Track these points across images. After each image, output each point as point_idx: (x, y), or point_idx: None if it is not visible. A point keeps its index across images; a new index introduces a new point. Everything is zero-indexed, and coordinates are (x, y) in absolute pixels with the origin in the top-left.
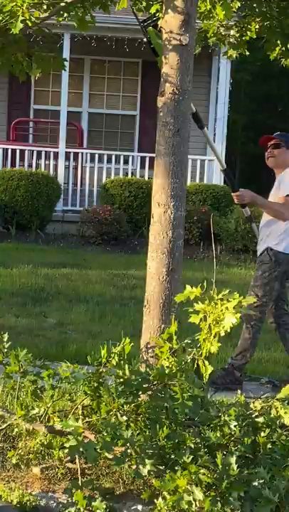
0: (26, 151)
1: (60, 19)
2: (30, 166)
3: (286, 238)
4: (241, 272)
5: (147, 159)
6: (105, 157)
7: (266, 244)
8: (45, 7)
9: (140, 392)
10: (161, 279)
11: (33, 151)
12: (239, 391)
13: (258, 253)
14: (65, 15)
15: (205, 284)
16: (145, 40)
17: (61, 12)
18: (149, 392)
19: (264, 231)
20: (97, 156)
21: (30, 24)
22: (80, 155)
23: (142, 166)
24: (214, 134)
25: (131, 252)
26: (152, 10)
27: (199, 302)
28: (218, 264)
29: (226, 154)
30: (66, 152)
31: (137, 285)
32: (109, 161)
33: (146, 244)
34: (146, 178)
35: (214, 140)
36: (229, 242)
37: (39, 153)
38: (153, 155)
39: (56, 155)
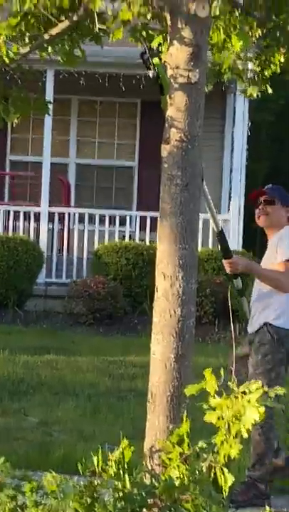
0: (1, 211)
1: (44, 54)
2: (5, 229)
3: (286, 311)
4: None
5: (148, 219)
6: (97, 217)
7: (263, 319)
8: (26, 40)
9: (144, 510)
10: (168, 366)
11: (9, 211)
12: (267, 507)
13: (250, 330)
14: (50, 49)
15: (222, 372)
16: (149, 75)
17: (45, 45)
18: (156, 510)
19: (257, 305)
20: (87, 216)
21: (7, 61)
22: (66, 215)
23: (142, 228)
24: (230, 188)
25: (130, 333)
26: (154, 43)
27: (215, 396)
28: (238, 348)
29: (245, 211)
30: (49, 212)
31: (137, 374)
32: (101, 222)
33: (148, 323)
34: (147, 242)
35: (230, 195)
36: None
37: (17, 213)
38: (156, 214)
39: (37, 216)
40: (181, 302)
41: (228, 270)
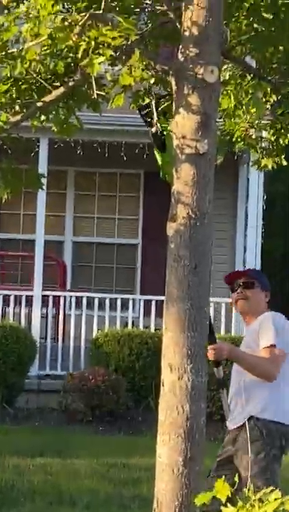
0: None
1: (36, 122)
2: None
3: (273, 402)
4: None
5: (154, 304)
6: (96, 301)
7: (247, 413)
8: (17, 107)
9: None
10: (176, 472)
11: None
12: None
13: (233, 426)
14: (43, 117)
15: (236, 478)
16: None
17: (37, 114)
18: None
19: (238, 398)
20: (85, 300)
21: None
22: (61, 299)
23: (147, 314)
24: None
25: (133, 432)
26: (164, 158)
27: (228, 504)
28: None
29: None
30: (43, 296)
31: (142, 479)
32: (101, 306)
33: (154, 421)
34: (152, 329)
35: None
36: None
37: (6, 297)
38: (161, 298)
39: (30, 300)
40: (189, 398)
41: (211, 357)
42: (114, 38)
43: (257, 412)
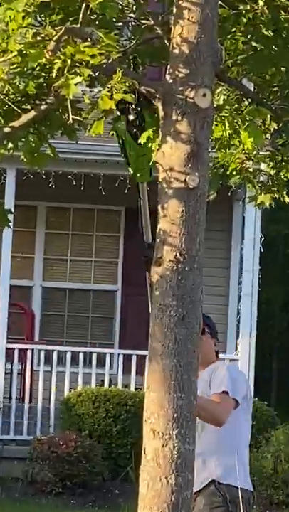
0: None
1: (2, 151)
2: None
3: (232, 463)
4: None
5: (134, 359)
6: (68, 356)
7: (207, 475)
8: None
9: None
10: None
11: None
12: None
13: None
14: (10, 145)
15: None
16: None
17: (4, 141)
18: None
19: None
20: (55, 354)
21: None
22: (29, 353)
23: (127, 371)
24: (238, 320)
25: (109, 506)
26: (142, 139)
27: None
28: None
29: (257, 349)
30: (8, 349)
31: None
32: (74, 362)
33: (133, 494)
34: (132, 388)
35: (238, 329)
36: (265, 490)
37: None
38: (143, 353)
39: None
40: (175, 468)
41: None
42: (93, 56)
43: (218, 475)
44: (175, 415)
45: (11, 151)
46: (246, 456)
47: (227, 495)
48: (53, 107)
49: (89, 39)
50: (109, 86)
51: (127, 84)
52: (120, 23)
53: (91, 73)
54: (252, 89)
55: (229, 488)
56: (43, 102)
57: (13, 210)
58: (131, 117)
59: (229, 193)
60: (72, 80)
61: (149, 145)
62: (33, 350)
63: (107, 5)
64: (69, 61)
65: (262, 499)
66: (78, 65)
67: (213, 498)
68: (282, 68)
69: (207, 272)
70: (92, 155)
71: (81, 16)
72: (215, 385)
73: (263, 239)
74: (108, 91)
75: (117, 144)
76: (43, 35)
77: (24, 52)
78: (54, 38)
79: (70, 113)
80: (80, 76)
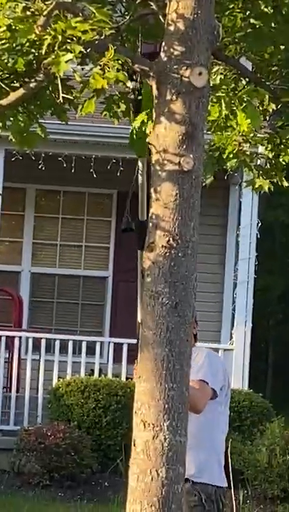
0: None
1: None
2: None
3: (206, 462)
4: None
5: (125, 348)
6: (57, 344)
7: None
8: None
9: None
10: None
11: None
12: None
13: None
14: None
15: None
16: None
17: None
18: None
19: None
20: (44, 342)
21: None
22: (16, 341)
23: (117, 360)
24: (233, 308)
25: (98, 499)
26: (136, 122)
27: None
28: None
29: (252, 339)
30: None
31: None
32: (63, 350)
33: (123, 487)
34: (123, 378)
35: (233, 317)
36: (259, 485)
37: None
38: (135, 341)
39: None
40: (166, 460)
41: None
42: (84, 32)
43: (192, 475)
44: (166, 406)
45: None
46: (221, 450)
47: (202, 494)
48: (43, 85)
49: (81, 14)
50: (102, 64)
51: (120, 61)
52: None
53: (82, 50)
54: (250, 69)
55: (203, 486)
56: (33, 80)
57: (1, 193)
58: (130, 85)
59: (225, 177)
60: (63, 57)
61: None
62: (20, 337)
63: None
64: (60, 37)
65: (256, 494)
66: (69, 41)
67: (189, 498)
68: (281, 46)
69: (202, 259)
70: (83, 136)
71: None
72: (193, 371)
73: (259, 225)
74: (100, 69)
75: (110, 125)
76: (32, 9)
77: (13, 27)
78: (44, 13)
79: (61, 92)
80: (71, 53)
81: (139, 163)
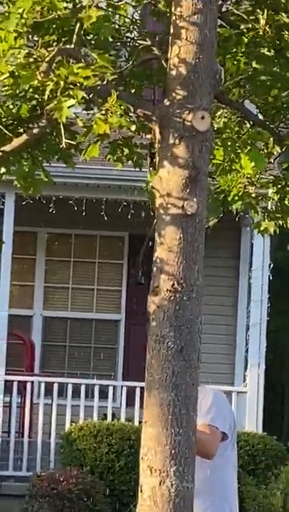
0: None
1: None
2: None
3: (221, 507)
4: None
5: (138, 392)
6: (69, 388)
7: None
8: None
9: None
10: None
11: None
12: None
13: None
14: (3, 169)
15: None
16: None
17: None
18: None
19: None
20: (56, 386)
21: None
22: (28, 385)
23: (130, 403)
24: (246, 350)
25: None
26: (151, 177)
27: None
28: None
29: (266, 381)
30: (6, 381)
31: None
32: (75, 394)
33: None
34: (136, 422)
35: (246, 360)
36: None
37: None
38: None
39: None
40: (173, 507)
41: None
42: (87, 78)
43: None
44: (173, 451)
45: (4, 176)
46: (234, 495)
47: None
48: (47, 131)
49: (83, 60)
50: (104, 109)
51: (123, 107)
52: (117, 44)
53: (85, 95)
54: (254, 112)
55: None
56: (36, 126)
57: (12, 237)
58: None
59: (237, 219)
60: (65, 103)
61: None
62: (32, 382)
63: (101, 25)
64: (62, 83)
65: None
66: (72, 87)
67: None
68: (285, 89)
69: (214, 301)
70: (93, 179)
71: (75, 36)
72: (201, 413)
73: (271, 266)
74: (103, 114)
75: (119, 168)
76: (35, 56)
77: (16, 73)
78: (47, 59)
79: (64, 137)
80: (74, 99)
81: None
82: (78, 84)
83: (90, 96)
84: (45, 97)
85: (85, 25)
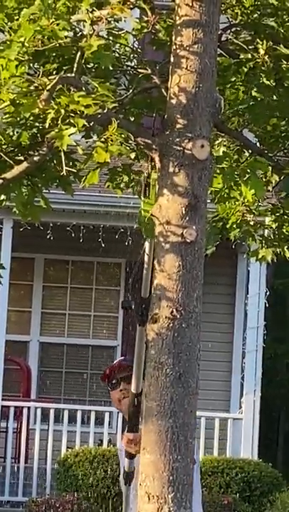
0: None
1: None
2: None
3: None
4: None
5: None
6: (66, 414)
7: None
8: None
9: None
10: None
11: None
12: None
13: None
14: (2, 197)
15: None
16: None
17: None
18: None
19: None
20: (52, 412)
21: None
22: (25, 411)
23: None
24: (242, 377)
25: None
26: (145, 205)
27: None
28: None
29: (262, 408)
30: (3, 407)
31: None
32: (72, 420)
33: None
34: None
35: (242, 386)
36: None
37: None
38: None
39: None
40: None
41: (129, 448)
42: (87, 106)
43: None
44: (171, 478)
45: (3, 203)
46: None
47: None
48: (47, 159)
49: (84, 88)
50: (104, 137)
51: (123, 135)
52: (117, 72)
53: (86, 124)
54: (253, 140)
55: None
56: (36, 153)
57: (10, 263)
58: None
59: (233, 246)
60: (66, 131)
61: None
62: (29, 408)
63: (102, 54)
64: (62, 111)
65: None
66: (72, 115)
67: None
68: (283, 119)
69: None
70: (91, 206)
71: (76, 64)
72: None
73: (267, 293)
74: (103, 142)
75: (117, 196)
76: (36, 84)
77: (17, 101)
78: (48, 88)
79: (64, 165)
80: (74, 127)
81: (146, 244)
82: (79, 113)
83: (91, 124)
84: (46, 125)
85: (85, 54)
